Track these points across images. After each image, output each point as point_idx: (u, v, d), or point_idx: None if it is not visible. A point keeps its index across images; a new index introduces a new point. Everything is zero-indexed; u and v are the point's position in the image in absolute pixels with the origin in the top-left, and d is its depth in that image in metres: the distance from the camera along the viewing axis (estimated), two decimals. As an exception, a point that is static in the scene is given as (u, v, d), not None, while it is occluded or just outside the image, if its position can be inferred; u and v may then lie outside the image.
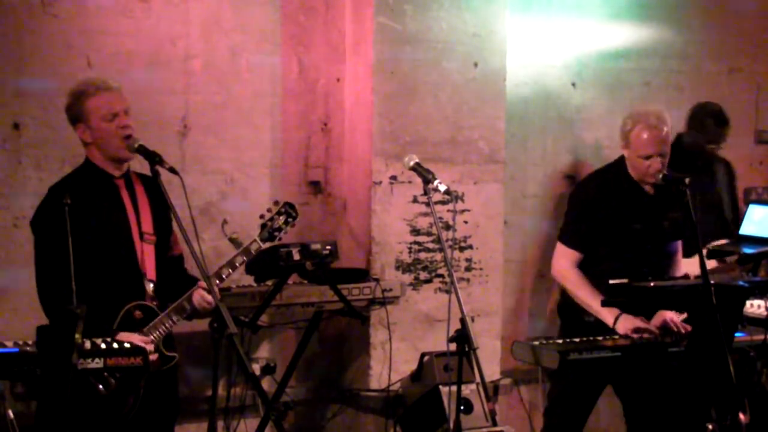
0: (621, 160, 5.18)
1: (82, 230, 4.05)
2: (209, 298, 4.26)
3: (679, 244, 5.34)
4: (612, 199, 5.10)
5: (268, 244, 4.58)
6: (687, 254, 5.57)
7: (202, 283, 4.30)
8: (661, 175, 4.86)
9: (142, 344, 4.03)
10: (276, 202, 4.66)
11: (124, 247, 4.27)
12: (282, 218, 4.61)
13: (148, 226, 4.34)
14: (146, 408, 4.17)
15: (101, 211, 4.22)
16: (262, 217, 4.61)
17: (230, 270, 4.43)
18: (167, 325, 4.27)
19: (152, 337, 4.21)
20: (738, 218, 6.27)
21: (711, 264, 5.63)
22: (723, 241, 5.89)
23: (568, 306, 5.27)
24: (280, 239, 4.64)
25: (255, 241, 4.51)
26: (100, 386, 3.96)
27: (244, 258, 4.48)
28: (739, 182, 6.86)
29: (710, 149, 5.96)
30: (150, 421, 4.26)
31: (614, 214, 5.09)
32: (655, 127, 4.99)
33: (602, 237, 5.10)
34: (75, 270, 3.99)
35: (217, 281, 4.33)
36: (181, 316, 4.31)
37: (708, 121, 5.90)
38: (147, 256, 4.31)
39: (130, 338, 4.08)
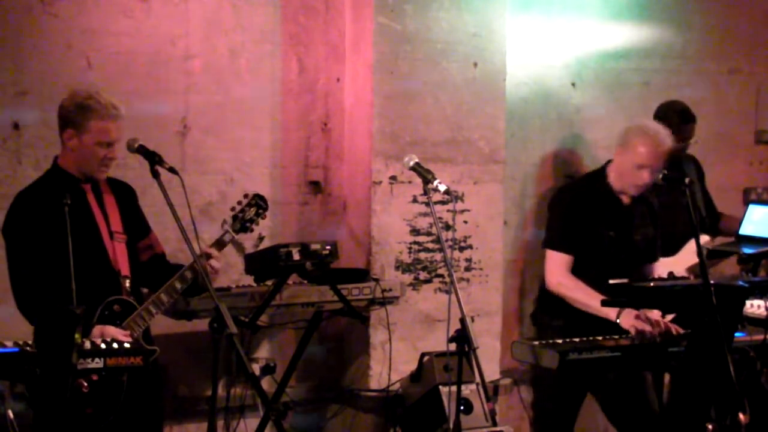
0: (601, 171, 5.33)
1: (51, 234, 4.14)
2: (213, 262, 4.40)
3: (654, 269, 5.40)
4: (588, 206, 5.25)
5: (241, 235, 4.73)
6: (672, 253, 5.62)
7: (206, 248, 4.43)
8: (661, 175, 4.88)
9: (122, 337, 4.06)
10: (245, 195, 4.76)
11: (95, 247, 4.33)
12: (252, 210, 4.72)
13: (117, 225, 4.42)
14: (130, 405, 4.18)
15: (69, 213, 4.24)
16: (233, 209, 4.71)
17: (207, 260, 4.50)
18: (146, 318, 4.32)
19: (134, 332, 4.24)
20: (714, 213, 6.28)
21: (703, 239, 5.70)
22: (706, 237, 5.90)
23: (539, 314, 5.38)
24: (252, 230, 4.78)
25: (228, 231, 4.62)
26: (84, 383, 3.96)
27: (217, 248, 4.55)
28: (739, 182, 6.87)
29: (678, 147, 5.99)
30: (136, 419, 4.28)
31: (590, 220, 5.20)
32: (661, 144, 5.17)
33: (579, 244, 5.17)
34: (48, 272, 4.09)
35: (192, 273, 4.38)
36: (171, 298, 4.35)
37: (675, 119, 5.93)
38: (119, 253, 4.38)
39: (107, 330, 4.10)
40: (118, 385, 4.11)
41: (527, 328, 6.00)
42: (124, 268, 4.38)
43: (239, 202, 4.72)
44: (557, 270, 5.23)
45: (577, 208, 5.24)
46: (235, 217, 4.68)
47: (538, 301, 5.59)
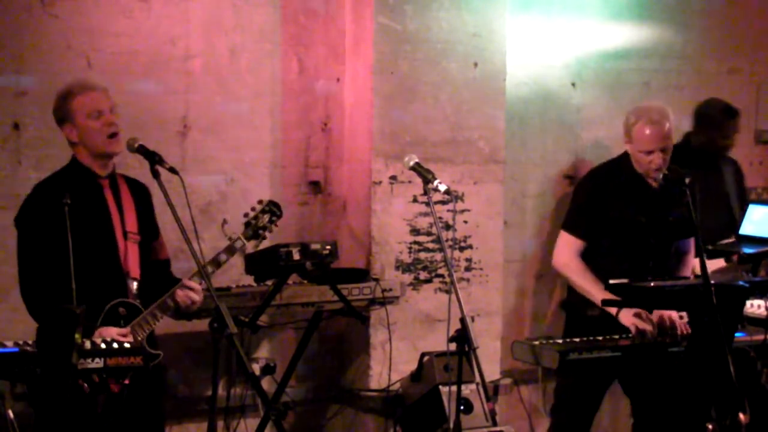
0: (626, 155, 5.23)
1: (60, 229, 4.08)
2: (193, 295, 4.33)
3: (691, 243, 5.36)
4: (616, 191, 5.16)
5: (252, 242, 4.66)
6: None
7: (187, 281, 4.33)
8: (662, 175, 4.86)
9: (120, 337, 4.05)
10: (260, 201, 4.73)
11: (106, 245, 4.30)
12: (266, 216, 4.68)
13: (132, 225, 4.38)
14: (132, 406, 4.17)
15: (84, 209, 4.22)
16: (246, 215, 4.67)
17: (215, 268, 4.48)
18: (151, 322, 4.29)
19: (138, 335, 4.21)
20: None
21: (719, 263, 5.66)
22: (731, 240, 5.90)
23: (572, 303, 5.31)
24: (264, 237, 4.71)
25: (239, 239, 4.58)
26: (85, 384, 3.95)
27: (228, 256, 4.53)
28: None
29: (721, 147, 5.99)
30: (138, 421, 4.27)
31: (618, 206, 5.14)
32: (657, 123, 5.08)
33: (606, 229, 5.14)
34: (58, 268, 4.04)
35: (202, 280, 4.35)
36: (165, 313, 4.33)
37: (718, 116, 5.93)
38: (131, 254, 4.34)
39: (107, 332, 4.09)
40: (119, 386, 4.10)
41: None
42: (134, 269, 4.34)
43: (253, 209, 4.67)
44: (566, 251, 5.21)
45: (602, 196, 5.16)
46: (247, 224, 4.63)
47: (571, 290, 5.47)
